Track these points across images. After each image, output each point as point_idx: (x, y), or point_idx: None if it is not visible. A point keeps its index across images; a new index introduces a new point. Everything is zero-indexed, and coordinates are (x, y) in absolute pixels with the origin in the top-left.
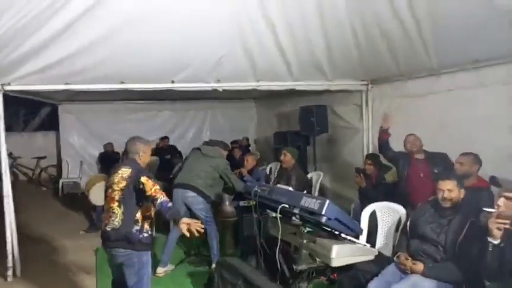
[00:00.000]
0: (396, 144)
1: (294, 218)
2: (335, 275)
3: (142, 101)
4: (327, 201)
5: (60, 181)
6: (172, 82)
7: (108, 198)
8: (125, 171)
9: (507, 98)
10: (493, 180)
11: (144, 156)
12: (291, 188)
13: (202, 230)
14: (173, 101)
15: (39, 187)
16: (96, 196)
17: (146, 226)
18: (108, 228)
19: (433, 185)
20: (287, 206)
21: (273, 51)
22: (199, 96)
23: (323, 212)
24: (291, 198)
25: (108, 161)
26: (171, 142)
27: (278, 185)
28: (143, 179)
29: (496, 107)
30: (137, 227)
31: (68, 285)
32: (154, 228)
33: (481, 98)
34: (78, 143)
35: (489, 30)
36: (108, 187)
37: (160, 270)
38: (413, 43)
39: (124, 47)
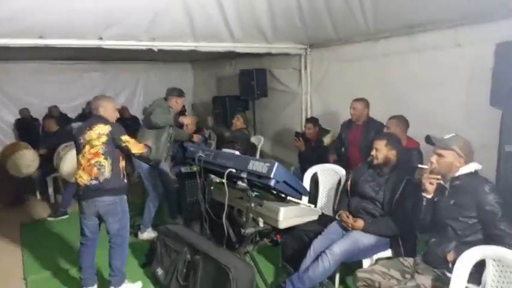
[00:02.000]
0: (335, 108)
1: (240, 182)
2: (278, 236)
3: (65, 61)
4: (276, 164)
5: None
6: (100, 39)
7: (87, 154)
8: (102, 127)
9: (437, 63)
10: (428, 139)
11: (106, 111)
12: (237, 152)
13: None
14: (102, 62)
15: None
16: (17, 166)
17: (124, 172)
18: (93, 182)
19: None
20: (234, 170)
21: (213, 11)
22: (132, 57)
23: (272, 175)
24: (238, 163)
25: (26, 128)
26: None
27: (223, 150)
28: (125, 137)
29: (427, 72)
30: (122, 175)
31: None
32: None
33: (414, 63)
34: None
35: None
36: (84, 144)
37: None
38: (352, 7)
39: None
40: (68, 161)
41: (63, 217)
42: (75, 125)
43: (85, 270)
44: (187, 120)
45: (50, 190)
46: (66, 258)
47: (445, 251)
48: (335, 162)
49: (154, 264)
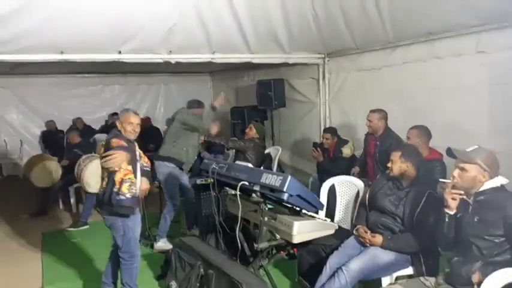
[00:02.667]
0: (353, 118)
1: (254, 195)
2: (295, 249)
3: (87, 75)
4: (289, 177)
5: None
6: (119, 53)
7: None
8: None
9: (459, 70)
10: (449, 152)
11: (122, 126)
12: (250, 165)
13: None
14: (123, 74)
15: None
16: (40, 177)
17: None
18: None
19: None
20: (247, 183)
21: (228, 22)
22: (152, 70)
23: (285, 189)
24: (251, 175)
25: (52, 140)
26: None
27: (237, 162)
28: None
29: (448, 80)
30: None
31: (13, 270)
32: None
33: (434, 71)
34: (17, 120)
35: (441, 2)
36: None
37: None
38: (369, 15)
39: (63, 11)
40: (89, 172)
41: (84, 227)
42: (98, 136)
43: (105, 274)
44: (216, 128)
45: (72, 200)
46: (84, 270)
47: (469, 271)
48: (358, 174)
49: (169, 277)
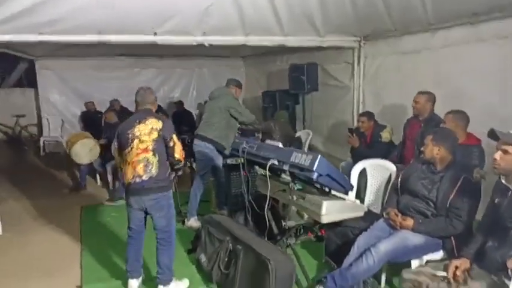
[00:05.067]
0: (389, 104)
1: (283, 174)
2: (322, 231)
3: (124, 57)
4: (319, 157)
5: (41, 140)
6: (155, 34)
7: (136, 149)
8: (154, 123)
9: (504, 54)
10: (492, 133)
11: (154, 105)
12: (280, 144)
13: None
14: (159, 58)
15: (19, 146)
16: (79, 154)
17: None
18: (137, 180)
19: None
20: (276, 162)
21: (264, 3)
22: (186, 53)
23: (314, 168)
24: (280, 155)
25: (91, 120)
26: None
27: (266, 141)
28: (175, 138)
29: (493, 64)
30: (168, 172)
31: (52, 243)
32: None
33: (477, 54)
34: (59, 101)
35: None
36: (133, 139)
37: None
38: None
39: None
40: None
41: (120, 201)
42: None
43: (131, 263)
44: None
45: (109, 177)
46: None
47: (505, 256)
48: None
49: (199, 251)
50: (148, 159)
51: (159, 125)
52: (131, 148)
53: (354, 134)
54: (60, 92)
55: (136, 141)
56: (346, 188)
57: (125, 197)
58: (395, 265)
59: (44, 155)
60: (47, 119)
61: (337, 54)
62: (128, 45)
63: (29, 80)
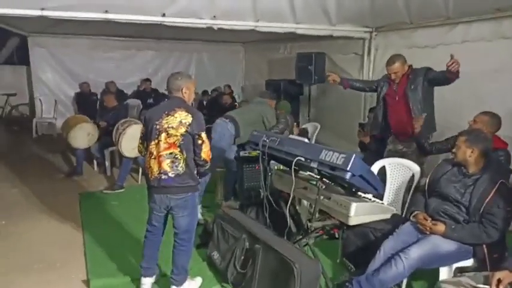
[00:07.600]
0: None
1: (307, 172)
2: (335, 230)
3: (123, 38)
4: (353, 156)
5: (34, 121)
6: (163, 15)
7: (163, 143)
8: (183, 116)
9: None
10: None
11: (188, 93)
12: (306, 140)
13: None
14: (157, 40)
15: (9, 126)
16: (77, 138)
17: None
18: (164, 176)
19: None
20: (303, 159)
21: None
22: (187, 36)
23: (348, 168)
24: (308, 151)
25: (85, 102)
26: (153, 85)
27: (290, 136)
28: (203, 135)
29: None
30: (195, 171)
31: (51, 232)
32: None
33: (499, 52)
34: (52, 80)
35: None
36: (161, 130)
37: None
38: None
39: None
40: (127, 137)
41: (120, 190)
42: (131, 101)
43: (147, 260)
44: None
45: (107, 163)
46: (124, 230)
47: None
48: None
49: (211, 247)
50: (175, 155)
51: (188, 119)
52: (158, 141)
53: (365, 129)
54: (54, 71)
55: (164, 134)
56: (378, 191)
57: (147, 192)
58: (423, 271)
59: (37, 137)
60: (40, 100)
61: (345, 45)
62: (127, 25)
63: (21, 57)
